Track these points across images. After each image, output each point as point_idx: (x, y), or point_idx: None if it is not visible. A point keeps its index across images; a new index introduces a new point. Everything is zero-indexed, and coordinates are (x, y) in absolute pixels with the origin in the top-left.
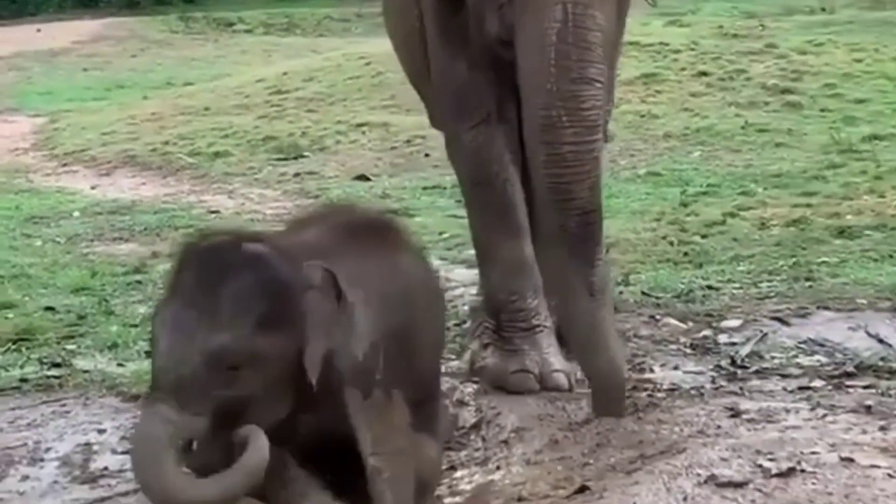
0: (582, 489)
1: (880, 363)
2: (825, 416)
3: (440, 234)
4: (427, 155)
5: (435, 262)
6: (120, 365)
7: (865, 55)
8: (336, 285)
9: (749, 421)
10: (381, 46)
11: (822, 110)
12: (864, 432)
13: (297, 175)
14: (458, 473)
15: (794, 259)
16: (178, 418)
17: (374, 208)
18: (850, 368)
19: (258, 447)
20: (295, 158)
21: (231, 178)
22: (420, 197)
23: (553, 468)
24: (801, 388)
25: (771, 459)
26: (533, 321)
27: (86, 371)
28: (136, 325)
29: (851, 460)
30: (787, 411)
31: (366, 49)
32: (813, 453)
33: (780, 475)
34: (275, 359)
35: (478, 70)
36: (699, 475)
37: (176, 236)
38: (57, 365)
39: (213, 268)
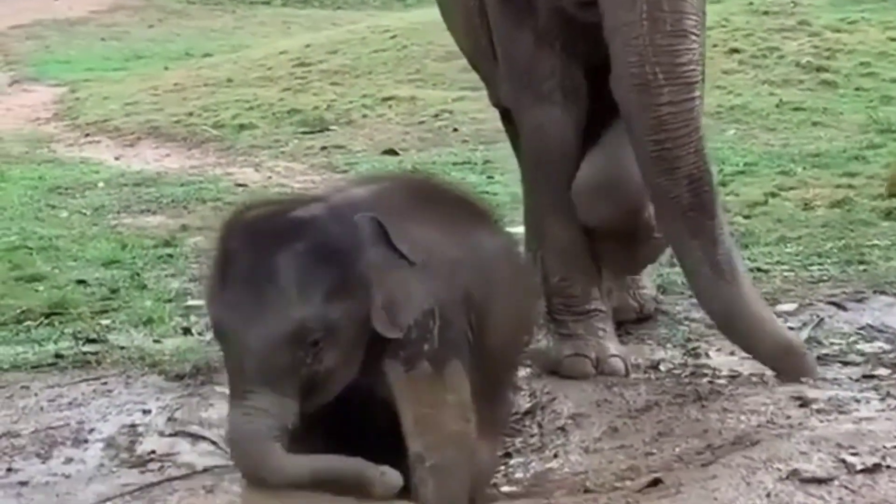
0: (655, 482)
1: None
2: None
3: None
4: (455, 129)
5: None
6: (156, 341)
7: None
8: (386, 237)
9: (819, 411)
10: (405, 19)
11: (857, 89)
12: None
13: (324, 149)
14: (514, 461)
15: (842, 241)
16: (274, 407)
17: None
18: None
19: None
20: (321, 132)
21: (257, 150)
22: (450, 172)
23: (614, 457)
24: (865, 377)
25: (854, 454)
26: (587, 305)
27: (122, 347)
28: (170, 300)
29: None
30: (857, 401)
31: (389, 22)
32: None
33: (865, 471)
34: (349, 324)
35: (544, 41)
36: (779, 470)
37: (204, 209)
38: (92, 341)
39: (266, 240)
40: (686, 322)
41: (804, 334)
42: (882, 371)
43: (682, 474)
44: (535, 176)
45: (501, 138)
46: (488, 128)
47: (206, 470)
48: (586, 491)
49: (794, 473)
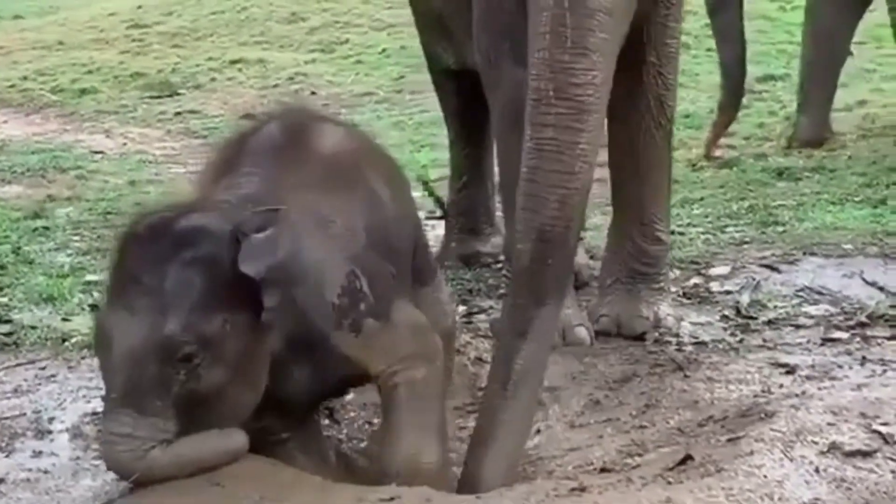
0: (686, 459)
1: (892, 312)
2: (885, 371)
3: None
4: (314, 93)
5: None
6: (65, 319)
7: None
8: (279, 235)
9: (810, 378)
10: None
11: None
12: None
13: (178, 114)
14: None
15: (746, 202)
16: (139, 428)
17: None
18: (863, 318)
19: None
20: (169, 96)
21: (103, 116)
22: None
23: (603, 431)
24: (827, 341)
25: (883, 424)
26: None
27: (33, 327)
28: (64, 276)
29: None
30: (840, 367)
31: None
32: None
33: None
34: (232, 336)
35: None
36: (816, 443)
37: (66, 178)
38: None
39: (149, 252)
40: None
41: (745, 298)
42: (840, 335)
43: (711, 450)
44: (513, 139)
45: (362, 102)
46: (346, 91)
47: None
48: (603, 470)
49: (835, 446)
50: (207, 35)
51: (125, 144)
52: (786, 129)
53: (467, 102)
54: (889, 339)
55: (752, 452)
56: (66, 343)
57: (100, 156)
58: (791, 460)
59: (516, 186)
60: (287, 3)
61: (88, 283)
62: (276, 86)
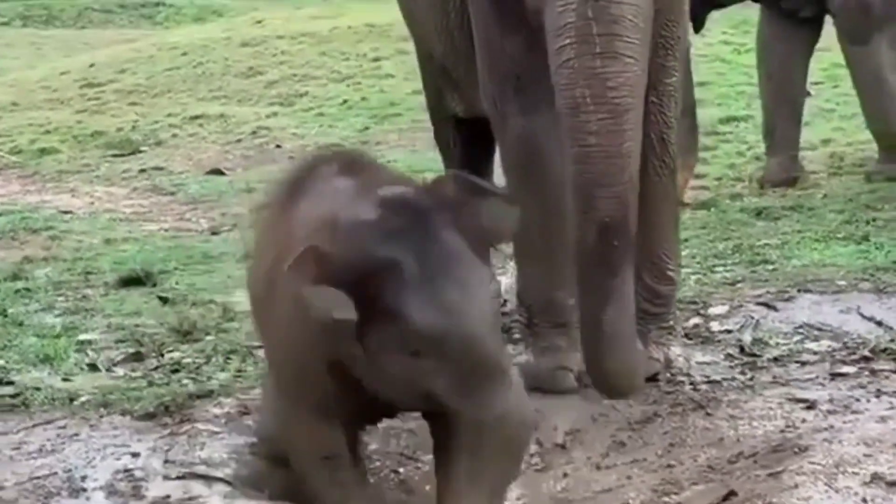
0: (730, 495)
1: (893, 346)
2: None
3: None
4: (279, 146)
5: None
6: (66, 380)
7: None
8: None
9: (832, 412)
10: (192, 35)
11: None
12: None
13: (142, 171)
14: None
15: (731, 242)
16: None
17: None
18: (867, 353)
19: None
20: (132, 153)
21: (66, 175)
22: None
23: (631, 472)
24: (836, 375)
25: None
26: (569, 316)
27: (37, 388)
28: (57, 336)
29: None
30: (858, 400)
31: (175, 39)
32: None
33: None
34: None
35: (535, 45)
36: (857, 474)
37: (39, 239)
38: None
39: None
40: None
41: (747, 337)
42: (847, 369)
43: (753, 485)
44: (522, 187)
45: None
46: (310, 143)
47: None
48: None
49: (877, 477)
50: (164, 91)
51: (93, 203)
52: (756, 170)
53: (472, 152)
54: (895, 372)
55: (796, 486)
56: (75, 402)
57: (69, 215)
58: (837, 491)
59: (528, 232)
60: (243, 58)
61: (82, 342)
62: (239, 140)
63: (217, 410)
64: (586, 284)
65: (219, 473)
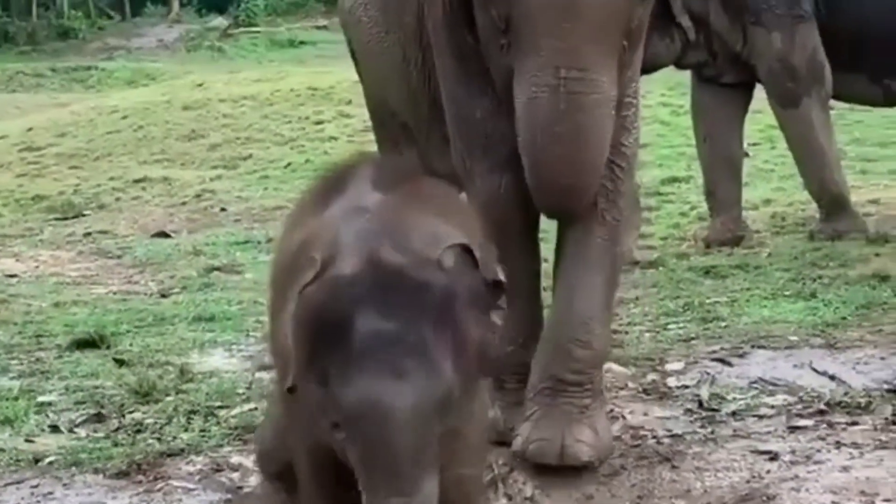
0: None
1: (847, 399)
2: (862, 454)
3: None
4: (223, 209)
5: None
6: (28, 441)
7: None
8: None
9: (794, 463)
10: (129, 99)
11: None
12: None
13: (87, 235)
14: None
15: (681, 300)
16: None
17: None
18: (822, 406)
19: None
20: (75, 217)
21: (8, 239)
22: (234, 252)
23: None
24: (794, 429)
25: (886, 500)
26: None
27: (1, 450)
28: (15, 399)
29: None
30: (819, 451)
31: (114, 102)
32: None
33: None
34: None
35: (501, 107)
36: None
37: None
38: None
39: None
40: None
41: (704, 392)
42: (805, 422)
43: None
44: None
45: (274, 216)
46: (256, 206)
47: None
48: None
49: None
50: (105, 155)
51: (38, 267)
52: (700, 229)
53: None
54: (851, 424)
55: None
56: (41, 463)
57: (15, 279)
58: None
59: None
60: (185, 121)
61: (41, 403)
62: (183, 203)
63: (189, 468)
64: None
65: None
